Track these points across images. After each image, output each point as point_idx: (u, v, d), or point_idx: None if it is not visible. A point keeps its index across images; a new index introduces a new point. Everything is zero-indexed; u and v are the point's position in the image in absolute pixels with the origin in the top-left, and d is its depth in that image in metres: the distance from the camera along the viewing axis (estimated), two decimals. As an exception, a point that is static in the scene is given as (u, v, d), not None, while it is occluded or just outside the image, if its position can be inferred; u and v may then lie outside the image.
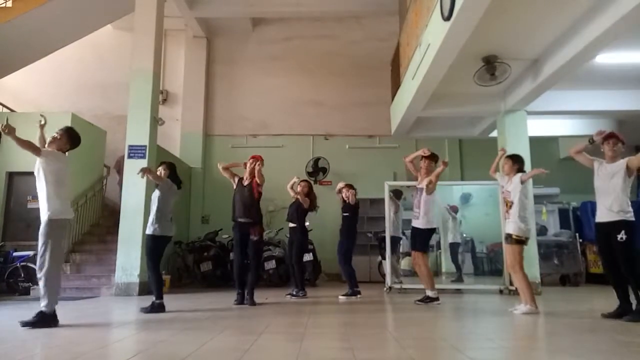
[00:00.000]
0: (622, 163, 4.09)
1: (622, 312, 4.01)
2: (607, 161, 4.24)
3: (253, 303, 5.29)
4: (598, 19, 4.67)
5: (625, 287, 4.08)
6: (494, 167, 5.32)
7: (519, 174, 4.78)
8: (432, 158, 5.61)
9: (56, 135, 4.06)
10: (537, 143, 8.00)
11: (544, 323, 4.04)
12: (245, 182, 5.54)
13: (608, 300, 5.73)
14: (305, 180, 6.90)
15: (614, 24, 4.45)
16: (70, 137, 4.11)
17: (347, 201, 6.38)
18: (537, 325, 3.95)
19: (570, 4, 4.81)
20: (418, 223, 5.46)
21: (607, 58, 6.02)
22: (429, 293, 5.34)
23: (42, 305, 3.78)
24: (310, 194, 6.62)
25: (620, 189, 4.04)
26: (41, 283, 3.80)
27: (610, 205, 4.06)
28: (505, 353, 2.89)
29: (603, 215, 4.14)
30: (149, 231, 4.93)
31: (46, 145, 4.07)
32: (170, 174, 5.12)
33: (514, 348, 3.07)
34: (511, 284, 6.70)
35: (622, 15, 4.28)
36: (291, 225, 6.63)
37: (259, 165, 5.42)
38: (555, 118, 8.65)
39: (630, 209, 4.05)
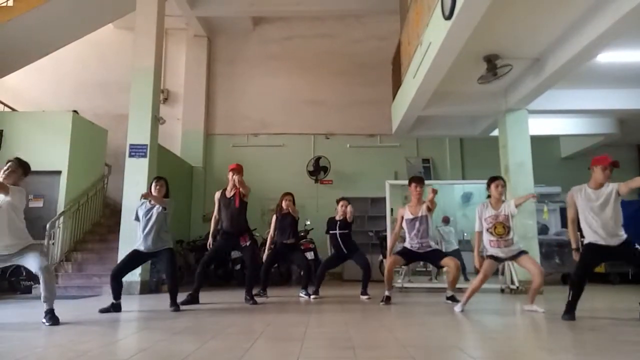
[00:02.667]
0: (613, 191, 3.98)
1: None
2: (592, 186, 4.09)
3: (254, 302, 5.30)
4: (599, 18, 4.67)
5: None
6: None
7: (512, 199, 4.67)
8: (419, 182, 5.36)
9: (12, 169, 3.98)
10: (538, 142, 8.01)
11: (545, 322, 4.04)
12: (230, 194, 5.38)
13: (608, 299, 5.73)
14: (288, 194, 6.36)
15: (615, 22, 4.45)
16: (24, 168, 4.09)
17: (347, 219, 6.13)
18: (539, 324, 3.95)
19: (571, 3, 4.81)
20: (434, 246, 5.28)
21: (608, 57, 6.02)
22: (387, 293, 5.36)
23: (49, 304, 3.98)
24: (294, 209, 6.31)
25: (619, 212, 3.99)
26: (46, 285, 3.98)
27: (614, 230, 3.97)
28: (507, 352, 2.88)
29: (607, 239, 3.98)
30: (171, 245, 5.07)
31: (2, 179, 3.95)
32: (166, 190, 5.09)
33: (515, 347, 3.07)
34: (512, 282, 6.72)
35: (624, 14, 4.29)
36: (287, 242, 6.19)
37: (236, 177, 5.17)
38: (557, 117, 8.65)
39: None
